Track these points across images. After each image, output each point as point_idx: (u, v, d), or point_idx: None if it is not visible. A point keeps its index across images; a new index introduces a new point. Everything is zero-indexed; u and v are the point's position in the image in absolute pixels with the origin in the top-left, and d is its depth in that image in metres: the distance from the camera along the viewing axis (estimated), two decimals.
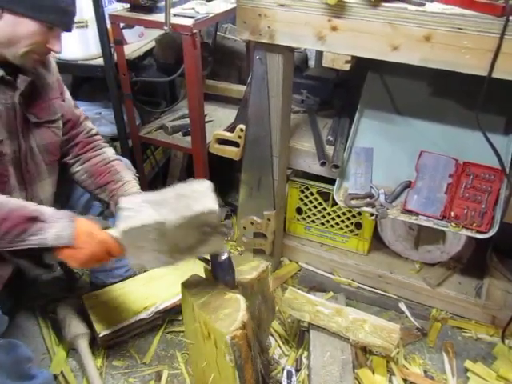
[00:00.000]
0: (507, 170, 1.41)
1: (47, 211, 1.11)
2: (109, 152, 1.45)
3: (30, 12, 1.06)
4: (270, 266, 1.31)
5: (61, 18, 1.12)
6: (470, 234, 1.43)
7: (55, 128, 1.33)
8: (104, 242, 1.12)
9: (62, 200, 1.48)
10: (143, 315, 1.59)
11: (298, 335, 1.62)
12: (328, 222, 1.88)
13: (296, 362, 1.54)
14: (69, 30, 1.17)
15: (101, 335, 1.53)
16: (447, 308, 1.74)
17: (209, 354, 1.21)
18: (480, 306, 1.67)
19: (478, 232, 1.42)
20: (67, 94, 1.41)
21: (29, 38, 1.08)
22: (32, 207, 1.11)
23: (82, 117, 1.45)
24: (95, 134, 1.47)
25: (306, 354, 1.56)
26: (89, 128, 1.45)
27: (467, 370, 1.53)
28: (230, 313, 1.13)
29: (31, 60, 1.15)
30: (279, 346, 1.61)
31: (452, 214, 1.45)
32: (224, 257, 1.20)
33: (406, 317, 1.73)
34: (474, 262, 1.78)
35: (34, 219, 1.08)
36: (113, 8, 1.83)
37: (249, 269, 1.28)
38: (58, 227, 1.09)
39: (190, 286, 1.25)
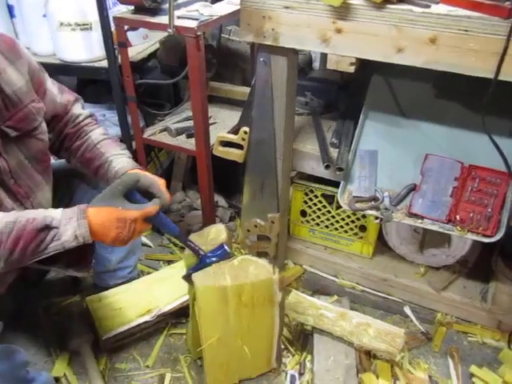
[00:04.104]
0: None
1: (56, 215, 1.07)
2: (94, 135, 1.34)
3: None
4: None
5: None
6: (475, 237, 1.42)
7: (39, 133, 1.23)
8: (122, 221, 1.09)
9: (65, 201, 1.45)
10: (146, 318, 1.59)
11: (302, 339, 1.61)
12: (332, 224, 1.86)
13: (300, 366, 1.53)
14: None
15: (104, 338, 1.53)
16: (452, 312, 1.72)
17: (244, 326, 1.32)
18: (486, 311, 1.65)
19: (484, 236, 1.41)
20: (48, 83, 1.27)
21: None
22: (41, 216, 1.06)
23: (70, 103, 1.34)
24: (83, 120, 1.35)
25: (309, 357, 1.55)
26: (76, 115, 1.35)
27: (472, 375, 1.51)
28: (256, 266, 1.28)
29: None
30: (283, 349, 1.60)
31: (457, 217, 1.43)
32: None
33: (411, 321, 1.72)
34: (480, 265, 1.76)
35: (45, 228, 1.05)
36: (117, 10, 1.83)
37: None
38: (71, 228, 1.06)
39: (203, 280, 1.26)
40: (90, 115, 1.39)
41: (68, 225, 1.07)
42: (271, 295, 1.29)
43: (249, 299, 1.27)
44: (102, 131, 1.38)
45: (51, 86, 1.29)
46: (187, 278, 1.30)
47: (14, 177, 1.20)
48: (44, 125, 1.25)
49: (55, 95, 1.30)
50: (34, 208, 1.25)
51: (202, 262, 1.29)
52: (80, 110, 1.37)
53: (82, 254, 1.17)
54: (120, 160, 1.31)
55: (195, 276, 1.26)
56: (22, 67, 1.17)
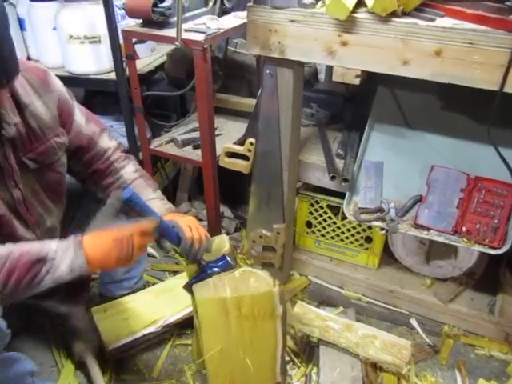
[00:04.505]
0: None
1: (52, 247, 1.05)
2: (126, 174, 1.34)
3: None
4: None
5: None
6: (482, 249, 1.41)
7: (57, 166, 1.24)
8: (119, 241, 1.07)
9: (72, 210, 1.46)
10: (152, 329, 1.59)
11: (308, 351, 1.60)
12: (338, 235, 1.86)
13: (305, 378, 1.52)
14: (7, 81, 0.97)
15: (109, 349, 1.53)
16: (459, 324, 1.71)
17: (246, 338, 1.30)
18: (493, 323, 1.64)
19: (491, 248, 1.40)
20: (76, 114, 1.27)
21: None
22: (36, 248, 1.04)
23: (96, 135, 1.31)
24: (111, 154, 1.34)
25: (315, 369, 1.53)
26: (104, 149, 1.32)
27: None
28: (256, 278, 1.26)
29: None
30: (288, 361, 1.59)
31: (464, 228, 1.43)
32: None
33: (418, 333, 1.70)
34: (487, 277, 1.75)
35: (40, 260, 1.03)
36: (125, 23, 1.86)
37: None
38: (67, 260, 1.04)
39: (202, 291, 1.26)
40: (118, 147, 1.37)
41: (64, 255, 1.05)
42: (272, 308, 1.26)
43: (249, 312, 1.25)
44: (132, 168, 1.36)
45: (79, 116, 1.28)
46: (188, 287, 1.30)
47: (27, 205, 1.20)
48: (64, 158, 1.26)
49: (82, 125, 1.29)
50: (44, 235, 1.26)
51: (203, 271, 1.29)
52: (107, 142, 1.34)
53: (78, 288, 1.15)
54: (153, 206, 1.25)
55: (195, 287, 1.26)
56: (50, 101, 1.18)
